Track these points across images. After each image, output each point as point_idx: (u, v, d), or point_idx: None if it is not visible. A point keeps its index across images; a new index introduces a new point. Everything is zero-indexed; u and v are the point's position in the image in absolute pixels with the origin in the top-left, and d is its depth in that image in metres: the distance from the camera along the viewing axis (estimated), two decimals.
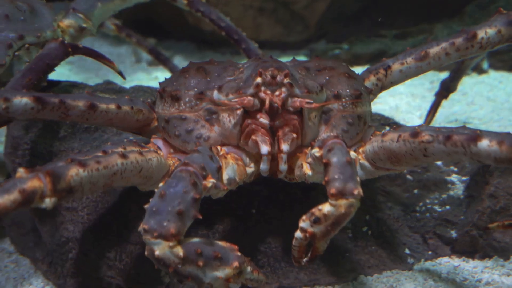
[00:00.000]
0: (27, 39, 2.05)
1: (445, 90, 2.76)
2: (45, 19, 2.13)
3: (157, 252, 1.21)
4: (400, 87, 3.57)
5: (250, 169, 1.57)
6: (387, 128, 1.95)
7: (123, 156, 1.35)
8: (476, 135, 1.32)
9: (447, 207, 1.96)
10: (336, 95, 1.60)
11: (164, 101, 1.62)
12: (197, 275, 1.25)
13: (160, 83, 1.71)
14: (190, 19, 4.60)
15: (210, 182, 1.33)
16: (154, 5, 3.12)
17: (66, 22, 2.24)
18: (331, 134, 1.58)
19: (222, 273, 1.27)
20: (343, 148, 1.34)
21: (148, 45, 3.62)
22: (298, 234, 1.34)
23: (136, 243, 1.69)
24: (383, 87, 1.86)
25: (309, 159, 1.48)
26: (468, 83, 3.72)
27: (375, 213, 1.91)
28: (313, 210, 1.30)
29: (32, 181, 1.16)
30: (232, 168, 1.51)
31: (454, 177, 2.06)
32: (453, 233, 1.90)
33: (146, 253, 1.23)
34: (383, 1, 4.67)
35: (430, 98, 3.11)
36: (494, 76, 3.89)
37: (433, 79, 3.80)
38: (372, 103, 1.77)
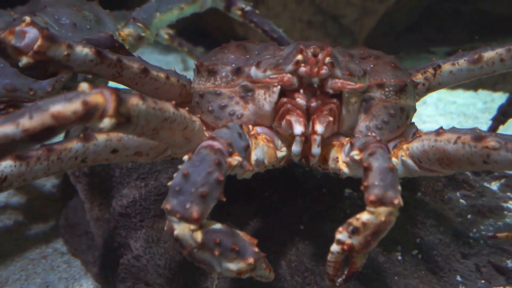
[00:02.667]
0: None
1: (503, 115, 2.66)
2: (108, 28, 2.22)
3: (176, 232, 1.16)
4: (451, 107, 3.48)
5: (281, 153, 1.52)
6: None
7: (175, 107, 1.31)
8: None
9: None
10: (379, 82, 1.53)
11: (201, 76, 1.60)
12: (211, 263, 1.22)
13: (197, 59, 1.69)
14: (239, 30, 4.67)
15: (235, 159, 1.27)
16: (205, 15, 3.18)
17: (126, 31, 2.33)
18: (370, 124, 1.52)
19: (235, 266, 1.24)
20: (385, 153, 1.26)
21: (199, 55, 3.70)
22: (334, 247, 1.25)
23: None
24: (429, 88, 1.79)
25: (347, 159, 1.42)
26: None
27: (426, 236, 1.86)
28: (350, 220, 1.22)
29: (96, 96, 1.07)
30: (262, 149, 1.46)
31: (510, 204, 1.98)
32: (509, 263, 1.82)
33: (165, 228, 1.20)
34: (436, 16, 4.58)
35: (483, 119, 3.02)
36: None
37: (486, 100, 3.68)
38: (420, 120, 1.71)
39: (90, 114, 1.06)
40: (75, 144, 1.42)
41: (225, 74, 1.54)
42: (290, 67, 1.45)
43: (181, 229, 1.16)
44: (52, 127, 1.00)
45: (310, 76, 1.44)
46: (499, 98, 3.55)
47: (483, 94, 3.80)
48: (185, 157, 1.23)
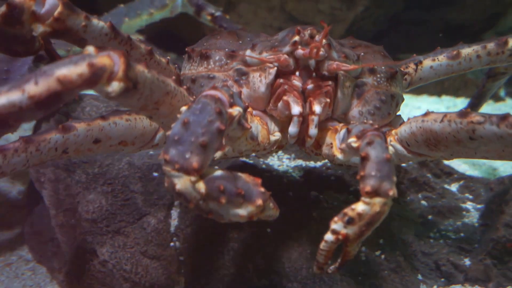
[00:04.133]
0: None
1: None
2: None
3: (178, 186, 1.10)
4: (416, 112, 3.58)
5: (274, 137, 1.51)
6: None
7: (176, 82, 1.28)
8: None
9: (462, 234, 1.96)
10: (372, 69, 1.55)
11: (192, 61, 1.59)
12: (219, 212, 1.17)
13: (187, 47, 1.67)
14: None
15: (236, 110, 1.23)
16: (176, 20, 3.19)
17: None
18: (363, 109, 1.53)
19: (245, 211, 1.19)
20: (383, 143, 1.25)
21: (170, 61, 3.69)
22: (329, 236, 1.25)
23: (152, 257, 1.72)
24: (411, 83, 1.84)
25: (343, 145, 1.42)
26: (486, 110, 3.67)
27: (389, 237, 1.92)
28: (346, 210, 1.23)
29: (102, 58, 1.01)
30: (257, 127, 1.45)
31: (469, 205, 2.06)
32: (467, 261, 1.89)
33: (165, 184, 1.14)
34: (402, 25, 4.71)
35: None
36: (511, 104, 3.89)
37: (449, 105, 3.81)
38: None
39: (97, 76, 1.00)
40: (54, 135, 1.36)
41: (218, 58, 1.54)
42: (287, 48, 1.45)
43: (182, 182, 1.10)
44: (59, 92, 0.95)
45: (307, 58, 1.44)
46: (461, 103, 3.69)
47: (446, 99, 3.93)
48: (183, 108, 1.18)
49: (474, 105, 2.71)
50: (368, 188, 1.19)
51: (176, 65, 1.79)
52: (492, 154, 1.41)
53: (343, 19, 4.46)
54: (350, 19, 4.44)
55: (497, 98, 3.94)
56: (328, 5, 4.37)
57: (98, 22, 1.48)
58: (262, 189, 1.21)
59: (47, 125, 2.01)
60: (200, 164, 1.11)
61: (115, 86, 1.04)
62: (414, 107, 3.68)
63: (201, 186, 1.12)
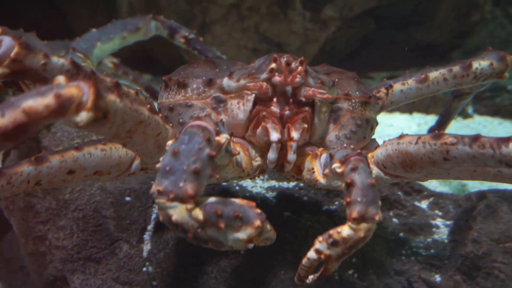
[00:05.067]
0: None
1: None
2: None
3: (174, 217, 1.10)
4: (388, 129, 3.66)
5: (256, 162, 1.53)
6: None
7: (151, 110, 1.28)
8: (508, 136, 1.28)
9: (432, 251, 1.99)
10: (347, 94, 1.59)
11: (170, 89, 1.61)
12: (218, 239, 1.17)
13: (164, 76, 1.69)
14: (186, 56, 4.73)
15: (223, 137, 1.25)
16: (151, 42, 3.21)
17: None
18: (340, 134, 1.57)
19: (244, 234, 1.18)
20: (366, 168, 1.30)
21: (144, 83, 3.70)
22: (312, 254, 1.31)
23: (124, 283, 1.70)
24: (383, 107, 1.89)
25: (327, 171, 1.45)
26: (454, 127, 3.81)
27: (361, 256, 1.94)
28: (331, 232, 1.28)
29: (71, 88, 1.01)
30: (240, 154, 1.47)
31: (438, 221, 2.10)
32: (437, 277, 1.92)
33: (161, 218, 1.13)
34: (374, 44, 4.84)
35: None
36: (479, 121, 4.01)
37: (420, 122, 3.90)
38: None
39: (65, 107, 1.00)
40: (26, 168, 1.34)
41: (196, 86, 1.56)
42: (264, 75, 1.48)
43: (178, 212, 1.09)
44: (25, 124, 0.94)
45: (284, 84, 1.48)
46: (432, 120, 3.79)
47: (417, 116, 4.03)
48: (169, 142, 1.18)
49: (442, 123, 2.79)
50: (355, 214, 1.24)
51: (147, 96, 1.79)
52: (465, 174, 1.47)
53: (316, 39, 4.56)
54: (322, 39, 4.54)
55: (465, 115, 4.05)
56: (301, 25, 4.46)
57: (58, 60, 1.48)
58: (259, 210, 1.22)
59: (17, 152, 1.99)
60: (195, 191, 1.11)
61: (83, 116, 1.04)
62: (386, 125, 3.76)
63: (198, 213, 1.12)
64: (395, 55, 4.81)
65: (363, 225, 1.24)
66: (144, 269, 1.73)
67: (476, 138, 1.31)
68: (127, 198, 1.88)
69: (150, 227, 1.83)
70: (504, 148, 1.26)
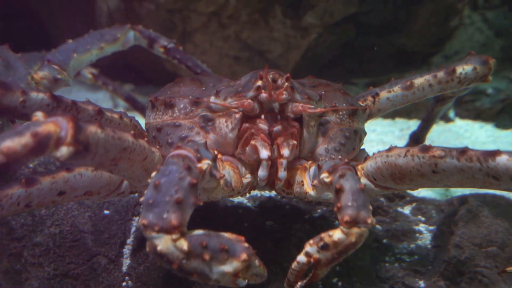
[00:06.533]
0: None
1: (415, 141, 2.84)
2: (19, 73, 2.16)
3: (159, 247, 1.10)
4: (371, 135, 3.67)
5: (246, 179, 1.52)
6: None
7: (134, 136, 1.28)
8: (495, 150, 1.30)
9: (415, 257, 1.99)
10: (334, 107, 1.60)
11: (157, 110, 1.60)
12: (203, 271, 1.15)
13: (150, 95, 1.68)
14: (168, 65, 4.69)
15: (205, 164, 1.24)
16: (132, 51, 3.19)
17: (40, 74, 2.27)
18: (329, 147, 1.56)
19: (230, 267, 1.17)
20: (354, 174, 1.31)
21: (124, 93, 3.66)
22: (301, 258, 1.30)
23: None
24: (370, 115, 1.91)
25: (315, 182, 1.44)
26: (436, 131, 3.85)
27: (345, 263, 1.92)
28: (323, 235, 1.27)
29: (47, 125, 1.01)
30: (229, 172, 1.46)
31: (421, 227, 2.10)
32: (421, 284, 1.91)
33: (147, 249, 1.13)
34: (355, 51, 4.87)
35: (400, 145, 3.21)
36: (460, 125, 4.04)
37: (403, 127, 3.92)
38: None
39: (43, 144, 1.01)
40: (16, 190, 1.34)
41: (183, 105, 1.55)
42: (250, 93, 1.48)
43: (163, 243, 1.09)
44: (5, 164, 0.95)
45: (271, 101, 1.47)
46: (414, 125, 3.80)
47: (400, 121, 4.05)
48: (153, 174, 1.19)
49: (424, 128, 2.81)
50: (347, 217, 1.24)
51: (132, 118, 1.76)
52: (454, 183, 1.48)
53: (298, 46, 4.56)
54: (304, 46, 4.55)
55: (447, 119, 4.09)
56: (283, 33, 4.47)
57: (37, 95, 1.47)
58: (246, 245, 1.20)
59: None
60: (179, 221, 1.11)
61: (63, 151, 1.05)
62: (369, 130, 3.75)
63: (183, 243, 1.11)
64: (377, 61, 4.84)
65: (355, 230, 1.24)
66: (124, 283, 1.69)
67: (463, 151, 1.32)
68: (106, 212, 1.84)
69: (129, 240, 1.79)
70: (491, 162, 1.29)
